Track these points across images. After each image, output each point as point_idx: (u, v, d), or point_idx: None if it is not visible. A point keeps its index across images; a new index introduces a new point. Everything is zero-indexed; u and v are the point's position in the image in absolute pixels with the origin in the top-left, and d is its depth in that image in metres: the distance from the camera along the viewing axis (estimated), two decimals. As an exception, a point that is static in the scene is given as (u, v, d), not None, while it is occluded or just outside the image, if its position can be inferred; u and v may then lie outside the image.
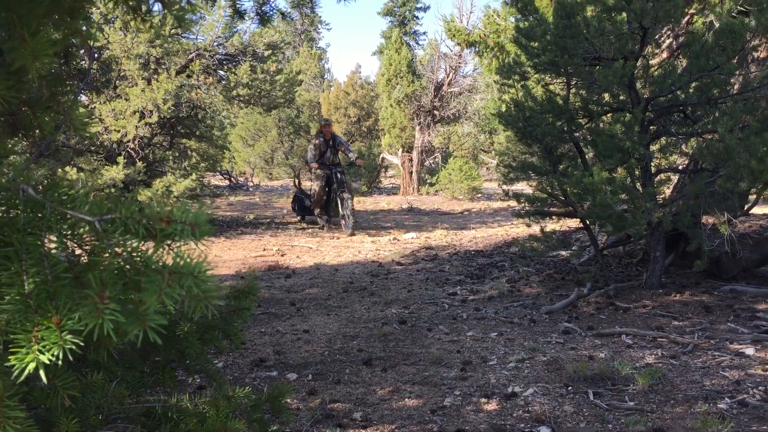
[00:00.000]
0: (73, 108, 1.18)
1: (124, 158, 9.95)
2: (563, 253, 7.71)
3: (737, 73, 5.80)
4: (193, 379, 3.62)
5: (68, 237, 0.97)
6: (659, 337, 4.64)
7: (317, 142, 11.49)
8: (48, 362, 0.88)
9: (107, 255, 0.93)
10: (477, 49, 10.60)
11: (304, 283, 7.03)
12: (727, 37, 5.42)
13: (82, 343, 0.86)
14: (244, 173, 26.56)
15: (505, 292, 6.30)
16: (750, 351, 4.24)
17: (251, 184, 23.14)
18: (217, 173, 20.94)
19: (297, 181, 12.69)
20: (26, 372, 0.87)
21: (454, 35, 11.37)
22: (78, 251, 1.00)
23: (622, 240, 6.85)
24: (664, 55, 7.02)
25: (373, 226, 12.55)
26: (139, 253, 0.93)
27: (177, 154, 11.81)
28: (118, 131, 9.90)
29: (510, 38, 7.96)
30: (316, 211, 11.89)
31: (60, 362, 0.87)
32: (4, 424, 0.94)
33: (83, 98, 9.89)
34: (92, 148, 10.42)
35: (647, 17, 5.49)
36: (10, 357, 0.87)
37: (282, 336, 5.02)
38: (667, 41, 7.08)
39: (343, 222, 11.33)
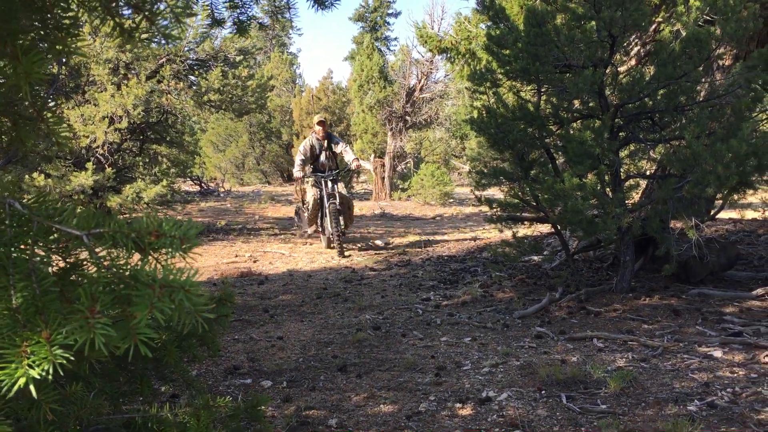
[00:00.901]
0: (57, 121, 1.18)
1: (93, 164, 9.84)
2: (535, 257, 7.79)
3: (703, 80, 5.92)
4: (167, 387, 3.59)
5: (54, 251, 0.97)
6: (630, 340, 4.71)
7: (308, 144, 9.73)
8: (38, 377, 0.87)
9: (95, 269, 0.93)
10: (448, 55, 10.64)
11: (278, 290, 7.01)
12: (694, 46, 5.54)
13: (72, 358, 0.86)
14: (215, 179, 26.40)
15: (478, 297, 6.35)
16: (718, 353, 4.33)
17: (222, 189, 22.98)
18: (188, 179, 20.77)
19: (300, 189, 11.98)
20: (16, 387, 0.87)
21: (425, 41, 11.40)
22: (63, 264, 1.00)
23: (592, 245, 6.94)
24: (633, 62, 7.14)
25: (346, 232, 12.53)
26: (128, 267, 0.93)
27: (147, 160, 11.72)
28: (87, 137, 9.79)
29: (481, 45, 8.03)
30: (311, 229, 10.13)
31: (50, 377, 0.87)
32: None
33: (50, 103, 9.75)
34: (60, 154, 10.28)
35: (616, 26, 5.58)
36: (-1, 372, 0.87)
37: (256, 343, 5.00)
38: (636, 49, 7.20)
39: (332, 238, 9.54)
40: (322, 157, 9.72)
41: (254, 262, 9.06)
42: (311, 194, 9.60)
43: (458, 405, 3.64)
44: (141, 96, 9.90)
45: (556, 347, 4.69)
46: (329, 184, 9.44)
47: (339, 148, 9.72)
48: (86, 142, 9.85)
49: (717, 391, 3.68)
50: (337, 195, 9.38)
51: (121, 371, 1.93)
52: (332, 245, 9.61)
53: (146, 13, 1.16)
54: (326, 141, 9.73)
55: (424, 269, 8.06)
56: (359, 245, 10.57)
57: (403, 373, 4.21)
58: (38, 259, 0.92)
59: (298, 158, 9.67)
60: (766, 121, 6.01)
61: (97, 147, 10.08)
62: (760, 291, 5.72)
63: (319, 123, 9.69)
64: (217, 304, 2.12)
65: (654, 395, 3.66)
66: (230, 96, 11.53)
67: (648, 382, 3.89)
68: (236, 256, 9.55)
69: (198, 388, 2.11)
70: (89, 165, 9.66)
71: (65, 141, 1.21)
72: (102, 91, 10.05)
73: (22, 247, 0.94)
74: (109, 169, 9.99)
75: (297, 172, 9.64)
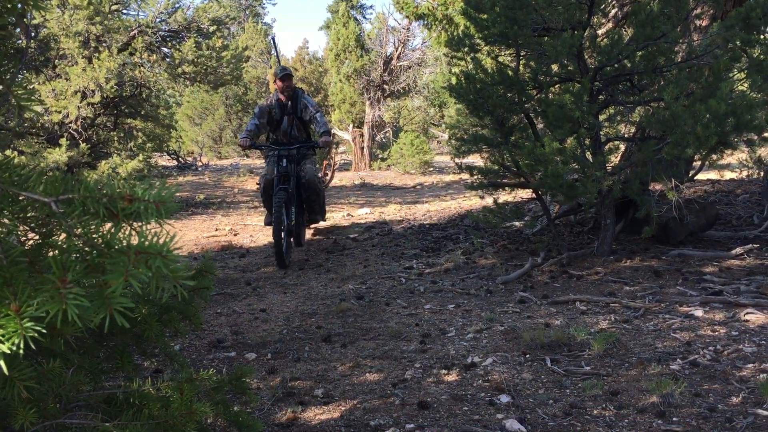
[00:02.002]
0: (17, 85, 1.12)
1: (67, 140, 9.66)
2: (516, 223, 7.79)
3: (681, 41, 5.90)
4: (150, 362, 3.56)
5: (21, 220, 0.92)
6: (612, 302, 4.74)
7: (265, 105, 7.17)
8: (8, 352, 0.83)
9: (65, 237, 0.88)
10: (426, 21, 10.51)
11: (259, 262, 6.97)
12: (672, 6, 5.50)
13: (44, 331, 0.82)
14: (193, 153, 26.13)
15: (460, 264, 6.35)
16: (699, 313, 4.37)
17: (200, 163, 22.76)
18: (165, 153, 20.52)
19: None
20: (-15, 363, 0.83)
21: (402, 8, 11.24)
22: (32, 234, 0.95)
23: (573, 209, 6.96)
24: (611, 25, 7.10)
25: (326, 203, 12.47)
26: (101, 234, 0.89)
27: (122, 135, 11.53)
28: (60, 112, 9.60)
29: (459, 10, 7.94)
30: (266, 218, 7.44)
31: (21, 351, 0.82)
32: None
33: (20, 78, 9.54)
34: (33, 131, 10.08)
35: (594, -13, 5.53)
36: (-33, 348, 0.82)
37: (239, 316, 4.97)
38: (614, 11, 7.16)
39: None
40: (285, 124, 7.17)
41: (235, 235, 9.00)
42: (263, 174, 7.11)
43: (444, 371, 3.64)
44: (113, 69, 9.71)
45: (540, 311, 4.71)
46: (283, 162, 6.80)
47: (308, 114, 7.06)
48: (59, 118, 9.66)
49: (699, 350, 3.72)
50: (292, 177, 6.83)
51: (101, 347, 1.88)
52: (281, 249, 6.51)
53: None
54: (291, 102, 7.13)
55: (406, 238, 8.05)
56: (339, 215, 10.53)
57: (387, 342, 4.21)
58: (4, 229, 0.88)
59: (250, 122, 7.14)
60: (743, 81, 6.01)
61: (71, 122, 9.90)
62: (739, 250, 5.77)
63: (282, 77, 7.07)
64: (198, 277, 2.08)
65: (637, 355, 3.69)
66: (205, 67, 11.34)
67: (631, 342, 3.91)
68: (216, 229, 9.47)
69: (181, 363, 2.08)
70: (63, 141, 9.48)
71: (26, 103, 1.14)
72: (73, 65, 9.84)
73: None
74: (83, 145, 9.82)
75: (242, 140, 7.01)
